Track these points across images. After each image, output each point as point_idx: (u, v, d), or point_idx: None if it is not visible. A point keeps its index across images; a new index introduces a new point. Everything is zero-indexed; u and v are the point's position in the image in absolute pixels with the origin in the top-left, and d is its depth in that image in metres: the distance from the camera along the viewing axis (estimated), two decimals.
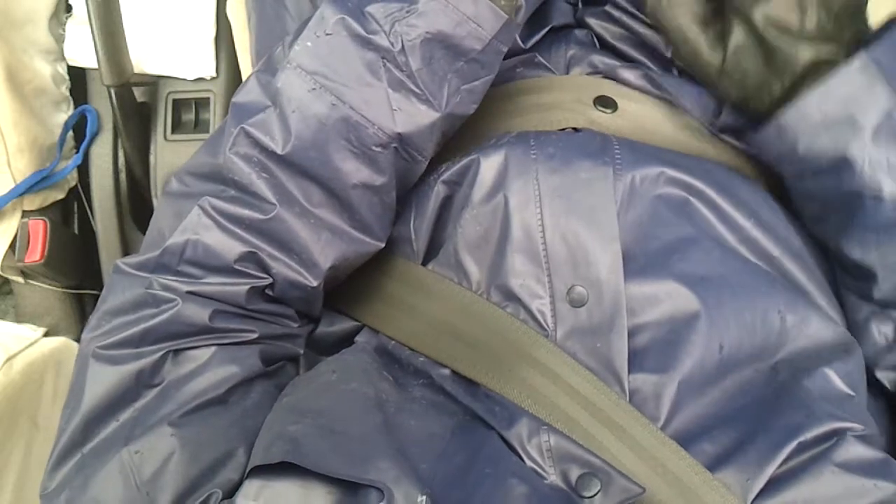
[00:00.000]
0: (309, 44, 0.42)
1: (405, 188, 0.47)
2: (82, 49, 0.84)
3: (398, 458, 0.36)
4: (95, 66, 0.75)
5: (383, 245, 0.47)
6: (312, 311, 0.48)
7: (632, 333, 0.43)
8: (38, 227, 0.83)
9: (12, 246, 0.83)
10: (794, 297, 0.44)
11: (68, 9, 0.85)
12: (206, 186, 0.43)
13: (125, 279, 0.43)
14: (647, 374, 0.42)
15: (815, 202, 0.45)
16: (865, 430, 0.39)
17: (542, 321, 0.44)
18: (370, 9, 0.42)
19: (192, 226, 0.42)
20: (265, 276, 0.43)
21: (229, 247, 0.42)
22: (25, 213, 0.83)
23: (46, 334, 0.82)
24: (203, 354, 0.42)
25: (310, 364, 0.50)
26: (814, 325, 0.43)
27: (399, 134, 0.43)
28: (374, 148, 0.42)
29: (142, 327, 0.41)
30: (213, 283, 0.42)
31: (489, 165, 0.46)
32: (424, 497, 0.34)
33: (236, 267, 0.42)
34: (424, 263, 0.48)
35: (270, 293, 0.44)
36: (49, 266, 0.83)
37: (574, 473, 0.39)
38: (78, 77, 0.87)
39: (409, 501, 0.34)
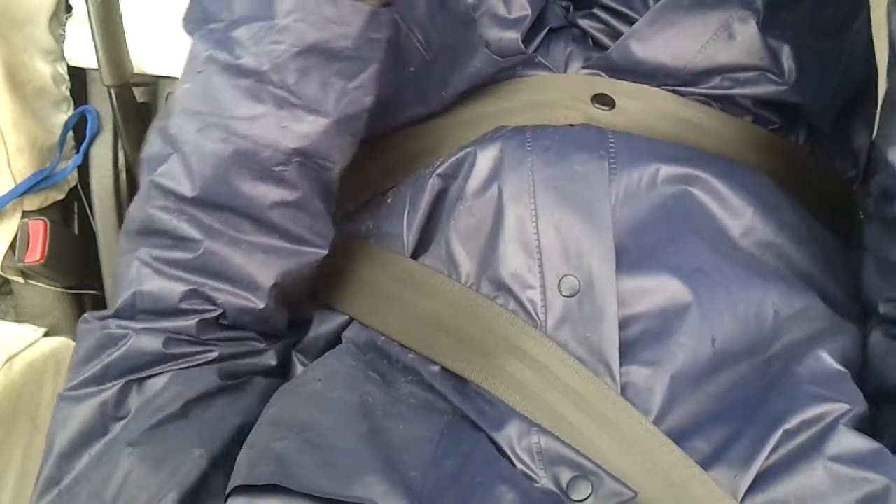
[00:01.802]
0: (187, 85, 0.43)
1: (330, 193, 0.47)
2: (82, 49, 0.84)
3: (386, 470, 0.36)
4: (95, 66, 0.75)
5: (326, 251, 0.47)
6: (275, 330, 0.49)
7: (624, 324, 0.42)
8: (38, 227, 0.83)
9: (12, 246, 0.83)
10: (789, 289, 0.44)
11: (68, 9, 0.85)
12: (141, 241, 0.45)
13: (88, 331, 0.45)
14: (640, 367, 0.42)
15: None
16: (854, 410, 0.39)
17: (532, 311, 0.43)
18: (235, 34, 0.41)
19: (134, 279, 0.44)
20: (213, 307, 0.44)
21: (171, 289, 0.44)
22: (25, 214, 0.83)
23: (46, 334, 0.82)
24: (161, 380, 0.43)
25: (304, 367, 0.50)
26: (808, 315, 0.43)
27: (294, 149, 0.43)
28: (276, 168, 0.43)
29: (101, 365, 0.43)
30: (166, 322, 0.44)
31: (485, 157, 0.46)
32: None
33: (182, 306, 0.44)
34: (415, 257, 0.48)
35: (224, 322, 0.45)
36: (49, 266, 0.83)
37: (565, 476, 0.39)
38: (78, 77, 0.87)
39: None
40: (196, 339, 0.45)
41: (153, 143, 0.44)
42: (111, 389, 0.43)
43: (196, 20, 0.43)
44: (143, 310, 0.44)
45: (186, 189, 0.42)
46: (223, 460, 0.41)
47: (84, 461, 0.42)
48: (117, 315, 0.45)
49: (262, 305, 0.45)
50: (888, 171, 0.41)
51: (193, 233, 0.43)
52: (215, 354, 0.45)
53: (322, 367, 0.47)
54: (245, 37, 0.41)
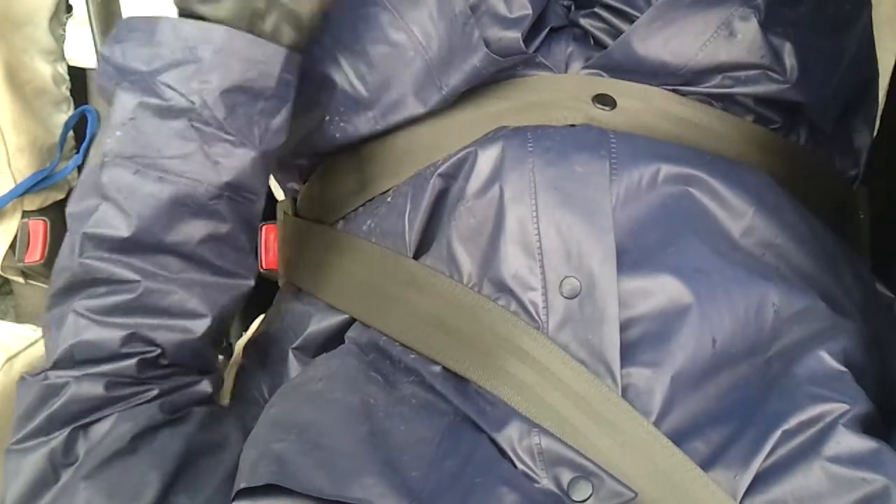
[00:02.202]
0: (119, 133, 0.45)
1: (252, 228, 0.50)
2: (82, 49, 0.84)
3: (385, 471, 0.36)
4: (95, 66, 0.75)
5: (252, 282, 0.50)
6: (209, 365, 0.50)
7: (624, 326, 0.42)
8: (39, 227, 0.83)
9: (12, 246, 0.83)
10: (789, 289, 0.44)
11: (68, 9, 0.85)
12: (72, 295, 0.46)
13: (27, 386, 0.45)
14: (640, 368, 0.41)
15: None
16: (854, 409, 0.39)
17: (533, 313, 0.43)
18: (163, 78, 0.44)
19: (71, 332, 0.45)
20: (152, 347, 0.46)
21: (109, 336, 0.45)
22: (26, 214, 0.83)
23: None
24: (106, 424, 0.44)
25: (302, 365, 0.50)
26: (808, 316, 0.43)
27: (227, 183, 0.46)
28: (209, 203, 0.46)
29: (45, 415, 0.43)
30: (106, 367, 0.45)
31: (486, 157, 0.46)
32: None
33: (122, 351, 0.45)
34: (416, 257, 0.48)
35: (163, 361, 0.46)
36: (49, 266, 0.83)
37: (565, 477, 0.39)
38: (78, 77, 0.87)
39: None
40: (136, 380, 0.46)
41: (79, 199, 0.46)
42: (58, 438, 0.43)
43: (113, 77, 0.46)
44: (81, 360, 0.45)
45: (122, 231, 0.44)
46: (176, 480, 0.42)
47: None
48: (55, 367, 0.45)
49: (199, 334, 0.47)
50: None
51: (130, 275, 0.45)
52: (155, 392, 0.46)
53: (324, 366, 0.47)
54: (174, 80, 0.44)
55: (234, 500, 0.37)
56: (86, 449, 0.43)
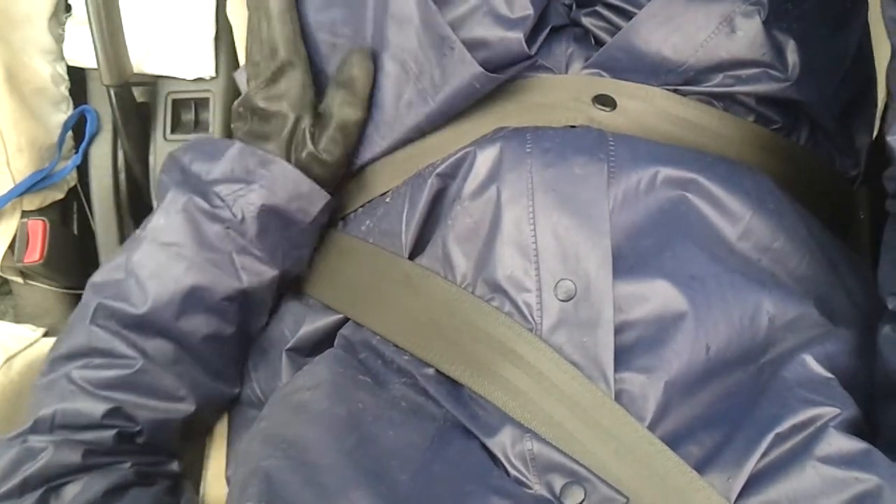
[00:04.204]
0: (162, 221, 0.50)
1: (248, 342, 0.54)
2: (82, 49, 0.84)
3: (372, 482, 0.37)
4: (95, 66, 0.75)
5: (236, 392, 0.54)
6: (179, 451, 0.53)
7: (619, 330, 0.42)
8: (38, 227, 0.82)
9: (11, 246, 0.82)
10: (784, 296, 0.44)
11: (68, 9, 0.85)
12: (70, 363, 0.49)
13: (2, 447, 0.47)
14: (634, 373, 0.42)
15: None
16: (844, 414, 0.39)
17: (527, 314, 0.43)
18: (217, 189, 0.49)
19: (57, 397, 0.47)
20: (132, 423, 0.48)
21: (93, 407, 0.47)
22: (25, 214, 0.83)
23: (46, 334, 0.82)
24: (78, 485, 0.46)
25: (296, 368, 0.50)
26: (802, 323, 0.43)
27: (244, 290, 0.50)
28: (222, 302, 0.50)
29: (21, 478, 0.45)
30: (83, 435, 0.47)
31: (484, 158, 0.46)
32: None
33: (103, 422, 0.47)
34: (412, 257, 0.48)
35: (140, 440, 0.48)
36: (48, 266, 0.83)
37: (558, 483, 0.39)
38: (77, 77, 0.87)
39: None
40: (112, 451, 0.47)
41: (107, 271, 0.50)
42: (30, 499, 0.44)
43: (176, 178, 0.51)
44: (62, 425, 0.47)
45: (137, 307, 0.48)
46: None
47: None
48: (34, 430, 0.47)
49: (180, 419, 0.51)
50: None
51: (131, 352, 0.48)
52: (128, 465, 0.48)
53: (311, 374, 0.47)
54: (225, 192, 0.49)
55: None
56: None
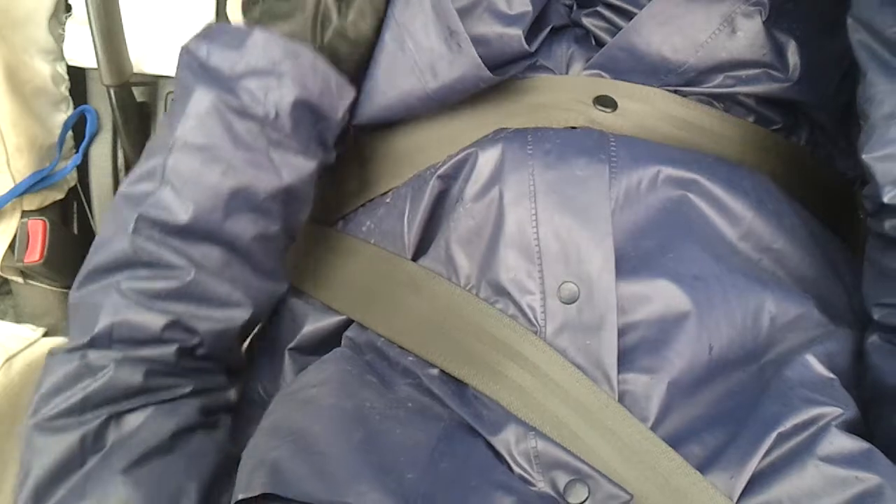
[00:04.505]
0: (192, 123, 0.46)
1: (293, 236, 0.52)
2: (82, 49, 0.84)
3: (379, 477, 0.36)
4: (95, 66, 0.75)
5: (286, 287, 0.52)
6: (239, 363, 0.51)
7: (622, 332, 0.42)
8: (38, 227, 0.82)
9: (11, 246, 0.82)
10: (785, 296, 0.44)
11: (68, 9, 0.85)
12: (116, 276, 0.46)
13: (58, 361, 0.45)
14: (637, 374, 0.42)
15: None
16: (845, 414, 0.39)
17: (531, 317, 0.43)
18: (244, 83, 0.46)
19: (112, 309, 0.45)
20: (193, 336, 0.46)
21: (152, 321, 0.45)
22: (25, 213, 0.83)
23: (46, 334, 0.82)
24: (141, 416, 0.44)
25: (298, 367, 0.50)
26: (803, 323, 0.43)
27: (286, 186, 0.47)
28: (265, 201, 0.47)
29: (81, 396, 0.43)
30: (143, 352, 0.45)
31: (486, 159, 0.46)
32: None
33: (163, 335, 0.45)
34: (415, 259, 0.48)
35: (200, 352, 0.47)
36: (48, 266, 0.83)
37: (562, 480, 0.39)
38: (77, 77, 0.87)
39: None
40: (173, 370, 0.46)
41: (136, 181, 0.47)
42: (92, 423, 0.43)
43: (195, 71, 0.47)
44: (120, 339, 0.45)
45: (181, 217, 0.45)
46: (209, 494, 0.42)
47: (60, 494, 0.41)
48: (92, 345, 0.45)
49: (239, 325, 0.48)
50: (874, 185, 0.42)
51: (181, 262, 0.45)
52: (190, 388, 0.46)
53: (318, 371, 0.47)
54: (255, 87, 0.46)
55: None
56: (116, 438, 0.43)
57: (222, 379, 0.50)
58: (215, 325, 0.47)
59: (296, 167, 0.48)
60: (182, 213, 0.45)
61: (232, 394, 0.50)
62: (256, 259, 0.48)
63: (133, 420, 0.44)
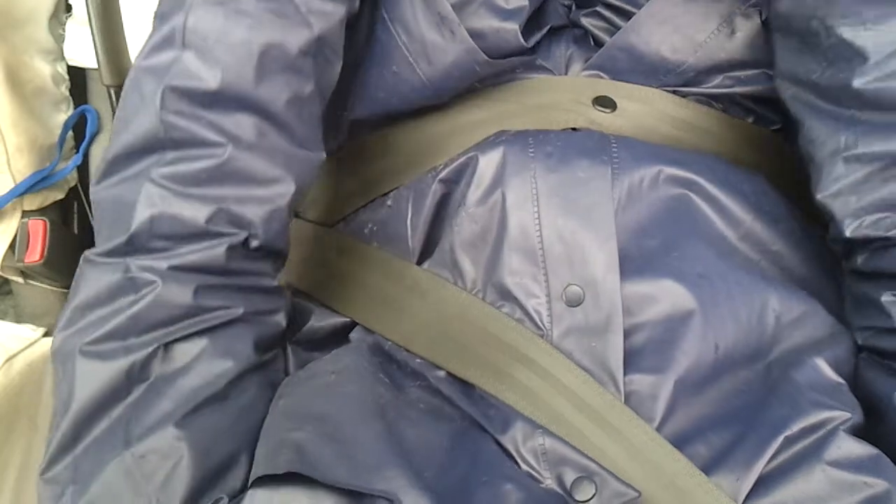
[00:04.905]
0: None
1: (324, 98, 0.47)
2: (82, 49, 0.84)
3: (405, 465, 0.36)
4: (95, 66, 0.75)
5: (324, 156, 0.47)
6: (285, 251, 0.47)
7: (628, 333, 0.42)
8: (38, 227, 0.82)
9: (12, 246, 0.83)
10: (789, 295, 0.44)
11: (68, 9, 0.85)
12: (144, 161, 0.41)
13: (97, 269, 0.41)
14: (644, 375, 0.42)
15: None
16: (853, 418, 0.39)
17: (538, 321, 0.43)
18: None
19: (150, 202, 0.40)
20: (238, 230, 0.42)
21: (195, 211, 0.41)
22: (25, 214, 0.83)
23: (46, 334, 0.82)
24: (193, 348, 0.40)
25: (300, 361, 0.49)
26: (808, 321, 0.43)
27: (318, 37, 0.43)
28: (297, 57, 0.43)
29: (126, 316, 0.39)
30: (191, 252, 0.41)
31: (487, 163, 0.46)
32: None
33: (210, 228, 0.41)
34: (420, 263, 0.48)
35: (254, 243, 0.43)
36: (49, 266, 0.83)
37: (569, 477, 0.39)
38: (78, 77, 0.87)
39: None
40: (224, 279, 0.42)
41: (152, 53, 0.42)
42: (140, 352, 0.39)
43: None
44: (161, 235, 0.40)
45: (210, 82, 0.40)
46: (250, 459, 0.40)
47: (103, 425, 0.38)
48: (131, 248, 0.40)
49: (287, 202, 0.44)
50: (835, 224, 0.42)
51: (216, 137, 0.41)
52: (241, 310, 0.42)
53: (336, 359, 0.46)
54: None
55: (250, 487, 0.36)
56: (166, 371, 0.39)
57: (273, 295, 0.46)
58: (261, 206, 0.43)
59: (324, 14, 0.44)
60: (211, 79, 0.40)
61: (282, 318, 0.46)
62: (291, 126, 0.44)
63: (185, 352, 0.40)
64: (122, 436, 0.38)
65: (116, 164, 0.42)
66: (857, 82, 0.40)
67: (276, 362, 0.45)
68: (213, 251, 0.41)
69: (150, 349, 0.39)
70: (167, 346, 0.40)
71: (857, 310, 0.44)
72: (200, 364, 0.40)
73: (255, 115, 0.42)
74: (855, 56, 0.40)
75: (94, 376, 0.38)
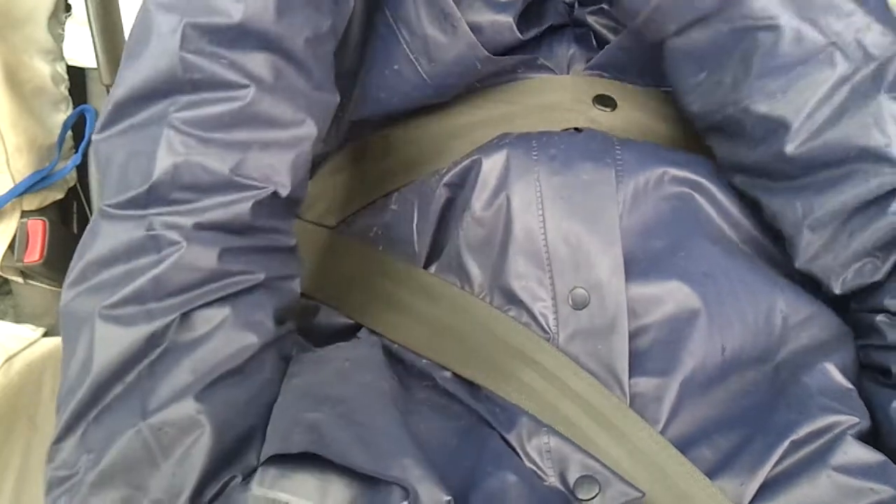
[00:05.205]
0: None
1: (338, 36, 0.46)
2: (82, 49, 0.84)
3: (419, 456, 0.35)
4: (95, 66, 0.75)
5: (339, 98, 0.45)
6: (305, 195, 0.45)
7: (634, 335, 0.42)
8: (38, 227, 0.82)
9: (11, 246, 0.83)
10: (796, 296, 0.44)
11: (68, 9, 0.85)
12: (154, 108, 0.39)
13: (114, 223, 0.38)
14: (649, 377, 0.42)
15: (704, 61, 0.45)
16: (861, 424, 0.39)
17: (544, 324, 0.44)
18: None
19: (172, 149, 0.38)
20: (264, 185, 0.40)
21: (220, 158, 0.38)
22: (24, 213, 0.83)
23: (46, 334, 0.82)
24: (216, 316, 0.38)
25: (301, 349, 0.49)
26: (815, 322, 0.43)
27: None
28: None
29: (147, 278, 0.37)
30: (216, 206, 0.38)
31: (491, 166, 0.46)
32: (450, 499, 0.33)
33: (234, 178, 0.39)
34: (426, 266, 0.48)
35: (283, 193, 0.41)
36: (48, 266, 0.83)
37: (573, 476, 0.39)
38: (77, 77, 0.87)
39: (435, 502, 0.33)
40: (247, 241, 0.40)
41: None
42: (162, 318, 0.37)
43: None
44: (184, 185, 0.38)
45: (233, 16, 0.38)
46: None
47: (116, 391, 0.36)
48: (151, 199, 0.38)
49: (311, 144, 0.42)
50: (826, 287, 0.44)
51: (237, 77, 0.39)
52: (263, 276, 0.40)
53: (350, 349, 0.45)
54: None
55: (261, 465, 0.35)
56: (187, 338, 0.37)
57: (291, 256, 0.44)
58: (287, 152, 0.41)
59: None
60: (234, 11, 0.38)
61: (297, 285, 0.44)
62: (308, 66, 0.42)
63: (206, 319, 0.38)
64: (139, 405, 0.36)
65: (124, 108, 0.39)
66: (789, 149, 0.42)
67: (290, 336, 0.44)
68: (239, 206, 0.39)
69: (172, 316, 0.37)
70: (188, 313, 0.37)
71: (853, 328, 0.45)
72: (222, 334, 0.38)
73: (273, 55, 0.40)
74: (779, 126, 0.42)
75: (114, 342, 0.36)
